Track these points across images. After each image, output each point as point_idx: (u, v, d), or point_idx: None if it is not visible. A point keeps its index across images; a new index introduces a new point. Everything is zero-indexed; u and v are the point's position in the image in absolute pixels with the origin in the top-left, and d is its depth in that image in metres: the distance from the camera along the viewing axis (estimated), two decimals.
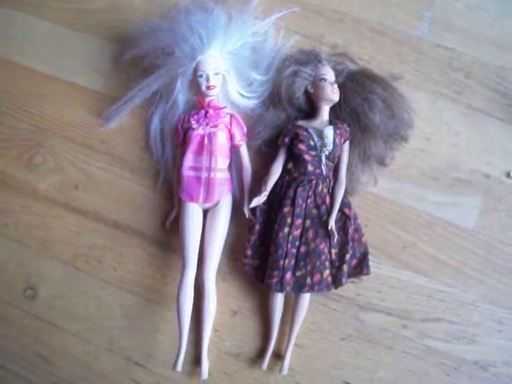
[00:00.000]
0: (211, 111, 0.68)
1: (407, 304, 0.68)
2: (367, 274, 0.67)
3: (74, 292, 0.73)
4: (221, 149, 0.68)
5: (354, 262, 0.68)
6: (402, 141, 0.70)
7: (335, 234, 0.65)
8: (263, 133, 0.70)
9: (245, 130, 0.71)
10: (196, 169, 0.68)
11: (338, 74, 0.70)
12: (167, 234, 0.72)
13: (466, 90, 0.73)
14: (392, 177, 0.72)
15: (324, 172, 0.66)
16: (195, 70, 0.68)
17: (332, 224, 0.65)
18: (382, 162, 0.71)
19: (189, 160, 0.68)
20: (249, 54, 0.72)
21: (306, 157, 0.66)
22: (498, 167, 0.71)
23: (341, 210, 0.67)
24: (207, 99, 0.69)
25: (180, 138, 0.71)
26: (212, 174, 0.67)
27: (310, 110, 0.70)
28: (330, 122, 0.68)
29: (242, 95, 0.72)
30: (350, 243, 0.67)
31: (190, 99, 0.72)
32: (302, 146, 0.66)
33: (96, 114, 0.77)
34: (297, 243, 0.66)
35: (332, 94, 0.67)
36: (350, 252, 0.67)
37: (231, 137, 0.70)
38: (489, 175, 0.71)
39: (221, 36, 0.68)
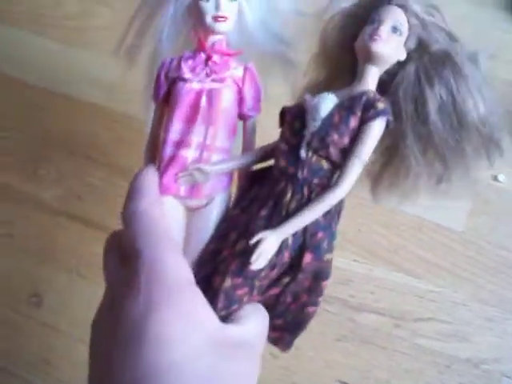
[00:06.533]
0: (216, 57, 0.40)
1: (400, 305, 0.70)
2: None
3: (78, 299, 0.75)
4: (225, 116, 0.40)
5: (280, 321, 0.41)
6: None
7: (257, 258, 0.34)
8: None
9: (262, 94, 0.42)
10: (181, 144, 0.39)
11: (422, 42, 0.40)
12: None
13: None
14: None
15: (299, 173, 0.36)
16: None
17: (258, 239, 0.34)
18: (439, 180, 0.45)
19: (174, 131, 0.40)
20: None
21: (282, 145, 0.38)
22: (486, 171, 0.73)
23: (302, 248, 0.36)
24: (212, 38, 0.40)
25: (161, 93, 0.41)
26: (205, 155, 0.39)
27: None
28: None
29: (267, 29, 0.44)
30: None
31: (182, 36, 0.44)
32: (284, 129, 0.40)
33: (97, 126, 0.79)
34: None
35: (368, 39, 0.37)
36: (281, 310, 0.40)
37: (240, 101, 0.42)
38: (477, 179, 0.73)
39: None
